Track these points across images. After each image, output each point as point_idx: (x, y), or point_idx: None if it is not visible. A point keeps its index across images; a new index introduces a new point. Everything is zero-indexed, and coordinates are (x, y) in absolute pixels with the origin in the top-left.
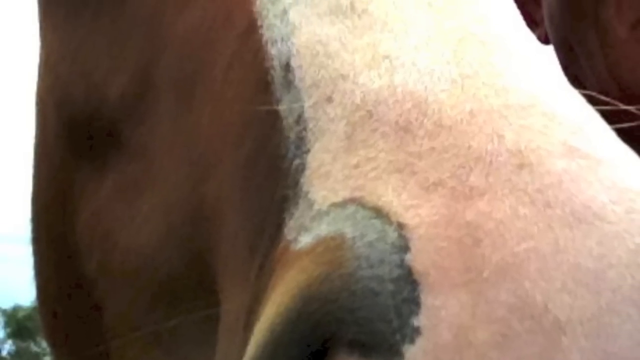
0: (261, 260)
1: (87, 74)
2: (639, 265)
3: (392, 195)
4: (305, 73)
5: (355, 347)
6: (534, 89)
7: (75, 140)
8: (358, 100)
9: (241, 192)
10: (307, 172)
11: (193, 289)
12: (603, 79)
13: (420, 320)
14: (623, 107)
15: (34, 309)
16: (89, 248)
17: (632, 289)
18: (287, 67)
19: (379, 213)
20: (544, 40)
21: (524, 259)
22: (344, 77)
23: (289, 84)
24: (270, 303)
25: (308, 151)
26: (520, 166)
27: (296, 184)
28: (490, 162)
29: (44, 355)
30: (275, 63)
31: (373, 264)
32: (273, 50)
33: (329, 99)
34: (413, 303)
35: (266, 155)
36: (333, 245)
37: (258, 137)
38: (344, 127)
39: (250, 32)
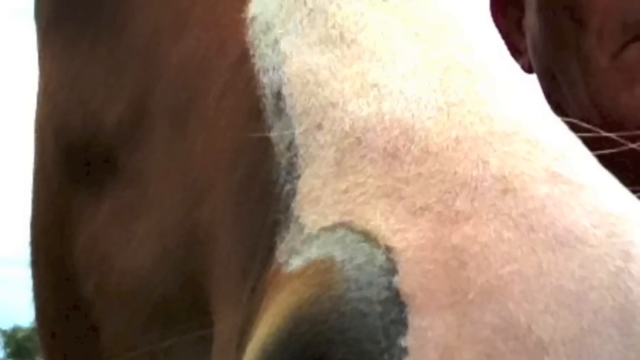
0: (253, 283)
1: (84, 102)
2: (620, 288)
3: (380, 220)
4: (296, 101)
5: None
6: (517, 117)
7: (73, 166)
8: (347, 128)
9: (234, 216)
10: (298, 197)
11: (187, 310)
12: (585, 107)
13: (407, 341)
14: (604, 134)
15: (33, 329)
16: (86, 271)
17: (613, 310)
18: (278, 95)
19: (368, 237)
20: (528, 69)
21: (508, 281)
22: (333, 105)
23: (280, 111)
24: (262, 324)
25: (299, 177)
26: (505, 191)
27: (287, 208)
28: (476, 187)
29: None
30: (267, 91)
31: (362, 286)
32: (265, 79)
33: (319, 126)
34: (400, 324)
35: (258, 181)
36: (323, 268)
37: (250, 163)
38: (333, 153)
39: (242, 61)
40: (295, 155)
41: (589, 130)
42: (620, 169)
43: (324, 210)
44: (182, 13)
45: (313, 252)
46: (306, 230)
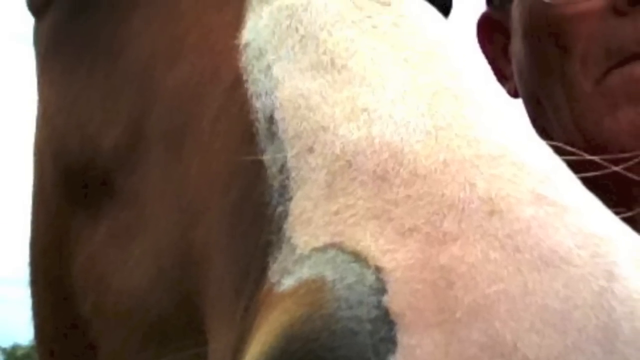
0: (246, 302)
1: (82, 126)
2: (603, 307)
3: (370, 241)
4: (288, 125)
5: None
6: (503, 140)
7: (71, 188)
8: (338, 151)
9: (228, 237)
10: (290, 219)
11: (182, 328)
12: (569, 131)
13: (396, 359)
14: (588, 157)
15: (32, 347)
16: (84, 290)
17: (596, 328)
18: (271, 120)
19: (358, 257)
20: (514, 94)
21: (495, 300)
22: (324, 129)
23: (272, 135)
24: (255, 342)
25: (291, 199)
26: (491, 213)
27: (279, 229)
28: (463, 209)
29: None
30: (260, 115)
31: (352, 305)
32: (258, 104)
33: (311, 150)
34: (390, 342)
35: (251, 203)
36: (314, 288)
37: (243, 185)
38: (324, 176)
39: (236, 86)
40: (288, 177)
41: (573, 154)
42: (603, 191)
43: (315, 232)
44: (177, 40)
45: (305, 272)
46: (298, 251)
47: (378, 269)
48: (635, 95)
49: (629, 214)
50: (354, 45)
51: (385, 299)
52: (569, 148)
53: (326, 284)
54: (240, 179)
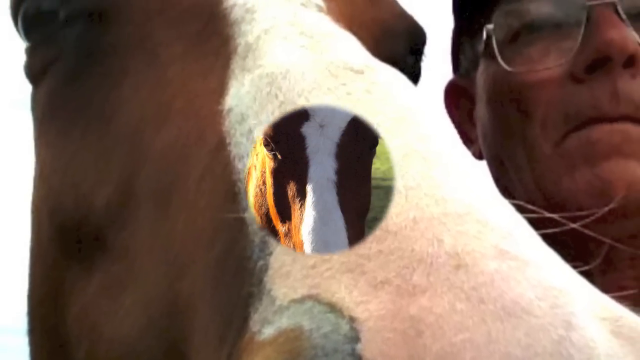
0: (229, 349)
1: (76, 185)
2: (562, 354)
3: (345, 292)
4: None
5: None
6: (469, 199)
7: (66, 243)
8: None
9: (212, 289)
10: (270, 272)
11: None
12: (530, 190)
13: None
14: (548, 215)
15: None
16: (78, 338)
17: None
18: None
19: (333, 308)
20: (478, 156)
21: (461, 348)
22: None
23: None
24: None
25: (271, 253)
26: (457, 267)
27: (260, 282)
28: (431, 263)
29: None
30: (242, 176)
31: (328, 353)
32: (240, 165)
33: None
34: None
35: (234, 257)
36: (292, 336)
37: (227, 241)
38: None
39: (220, 148)
40: (268, 234)
41: (533, 212)
42: (562, 246)
43: (293, 284)
44: (164, 105)
45: (284, 321)
46: (277, 302)
47: (352, 319)
48: (592, 157)
49: (586, 267)
50: None
51: (359, 346)
52: (529, 206)
53: (304, 333)
54: (223, 234)
